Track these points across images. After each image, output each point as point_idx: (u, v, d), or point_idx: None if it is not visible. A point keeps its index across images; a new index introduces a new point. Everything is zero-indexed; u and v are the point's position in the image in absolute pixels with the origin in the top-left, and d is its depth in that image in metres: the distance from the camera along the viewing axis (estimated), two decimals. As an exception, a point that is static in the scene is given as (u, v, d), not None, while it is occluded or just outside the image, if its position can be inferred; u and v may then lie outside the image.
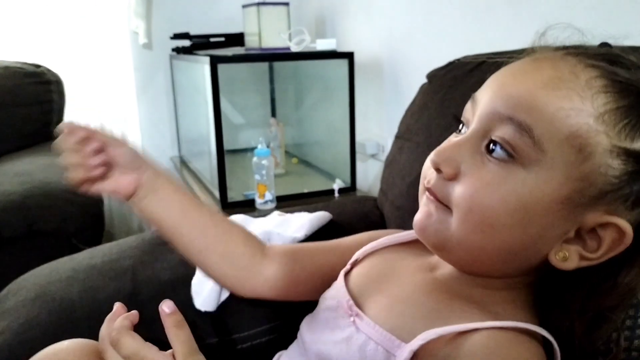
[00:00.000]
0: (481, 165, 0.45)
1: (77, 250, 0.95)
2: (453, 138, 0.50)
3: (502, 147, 0.44)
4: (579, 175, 0.42)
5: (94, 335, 0.75)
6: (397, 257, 0.60)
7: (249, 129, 2.26)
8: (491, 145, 0.45)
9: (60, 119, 1.94)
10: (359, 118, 1.70)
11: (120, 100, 2.17)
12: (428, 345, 0.45)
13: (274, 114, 2.34)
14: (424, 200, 0.50)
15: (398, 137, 0.98)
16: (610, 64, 0.44)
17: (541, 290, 0.50)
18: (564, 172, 0.42)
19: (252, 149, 1.67)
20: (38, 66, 1.91)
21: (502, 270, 0.48)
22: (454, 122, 0.83)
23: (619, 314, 0.47)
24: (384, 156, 1.74)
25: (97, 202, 1.48)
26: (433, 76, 0.96)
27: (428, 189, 0.49)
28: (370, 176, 1.82)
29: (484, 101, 0.47)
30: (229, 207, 1.64)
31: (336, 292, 0.58)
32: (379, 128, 1.75)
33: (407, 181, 0.88)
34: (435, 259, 0.55)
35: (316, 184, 1.80)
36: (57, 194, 1.40)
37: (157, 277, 0.83)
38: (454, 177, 0.46)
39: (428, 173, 0.50)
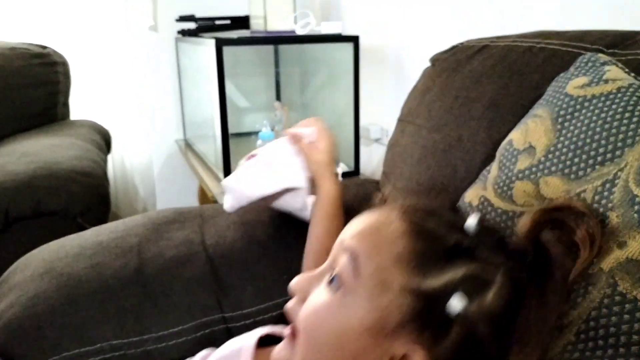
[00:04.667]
0: (320, 292, 0.53)
1: (83, 230, 0.96)
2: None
3: (336, 279, 0.51)
4: (380, 306, 0.48)
5: (100, 309, 0.77)
6: None
7: (254, 113, 2.26)
8: (331, 276, 0.52)
9: (66, 100, 1.95)
10: (364, 102, 1.70)
11: (125, 83, 2.17)
12: None
13: (278, 98, 2.34)
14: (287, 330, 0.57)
15: (400, 120, 0.98)
16: (426, 215, 0.52)
17: None
18: (369, 302, 0.48)
19: (256, 133, 1.68)
20: (44, 47, 1.91)
21: None
22: (455, 104, 0.84)
23: None
24: (386, 140, 1.75)
25: (103, 183, 1.50)
26: (436, 59, 0.97)
27: (287, 311, 0.57)
28: (374, 160, 1.83)
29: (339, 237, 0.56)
30: (233, 189, 1.66)
31: None
32: (383, 112, 1.75)
33: (409, 163, 0.88)
34: None
35: (320, 168, 1.81)
36: (64, 174, 1.41)
37: (162, 254, 0.84)
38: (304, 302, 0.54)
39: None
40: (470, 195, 0.67)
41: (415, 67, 1.51)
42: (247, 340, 0.67)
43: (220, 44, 1.54)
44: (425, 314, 0.46)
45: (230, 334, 0.81)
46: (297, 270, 0.85)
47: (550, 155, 0.59)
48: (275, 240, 0.89)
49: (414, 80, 1.02)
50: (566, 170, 0.57)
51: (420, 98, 0.93)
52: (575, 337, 0.49)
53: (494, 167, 0.66)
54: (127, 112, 2.21)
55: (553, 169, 0.58)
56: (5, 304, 0.79)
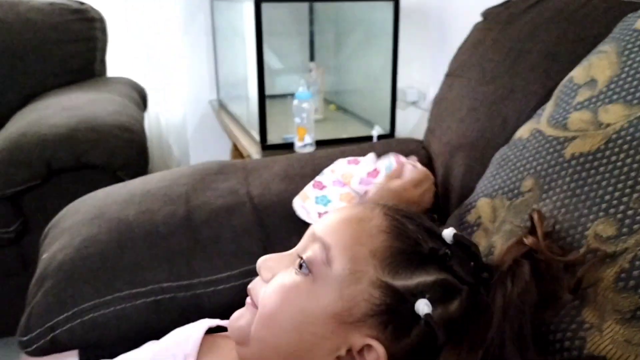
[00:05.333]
0: (288, 274, 0.52)
1: (124, 183, 0.97)
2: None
3: (306, 265, 0.51)
4: (349, 295, 0.48)
5: (150, 253, 0.79)
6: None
7: (286, 74, 2.24)
8: (301, 261, 0.52)
9: (103, 57, 1.96)
10: (401, 64, 1.68)
11: (160, 42, 2.17)
12: None
13: (312, 59, 2.31)
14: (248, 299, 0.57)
15: (448, 75, 0.97)
16: (407, 218, 0.52)
17: None
18: (338, 291, 0.49)
19: (288, 95, 1.67)
20: (82, 3, 1.92)
21: None
22: (509, 55, 0.82)
23: None
24: (425, 104, 1.73)
25: (141, 138, 1.51)
26: (488, 13, 0.94)
27: (248, 289, 0.56)
28: (409, 124, 1.81)
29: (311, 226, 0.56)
30: (268, 149, 1.66)
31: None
32: (422, 75, 1.73)
33: (457, 117, 0.87)
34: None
35: (354, 131, 1.80)
36: (104, 128, 1.43)
37: (209, 203, 0.85)
38: (269, 281, 0.54)
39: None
40: (521, 131, 0.66)
41: (458, 27, 1.48)
42: (195, 328, 0.65)
43: (259, 1, 1.52)
44: (391, 311, 0.47)
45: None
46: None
47: (612, 85, 0.57)
48: (320, 192, 0.89)
49: (455, 41, 1.00)
50: (628, 97, 0.55)
51: (471, 52, 0.91)
52: (629, 264, 0.48)
53: (549, 105, 0.65)
54: (162, 72, 2.21)
55: (614, 97, 0.56)
56: (58, 246, 0.81)
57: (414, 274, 0.48)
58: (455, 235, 0.51)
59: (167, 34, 2.18)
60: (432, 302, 0.47)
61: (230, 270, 0.80)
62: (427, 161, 0.97)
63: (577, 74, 0.63)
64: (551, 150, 0.59)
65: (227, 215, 0.84)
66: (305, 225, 0.85)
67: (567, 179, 0.56)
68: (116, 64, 2.09)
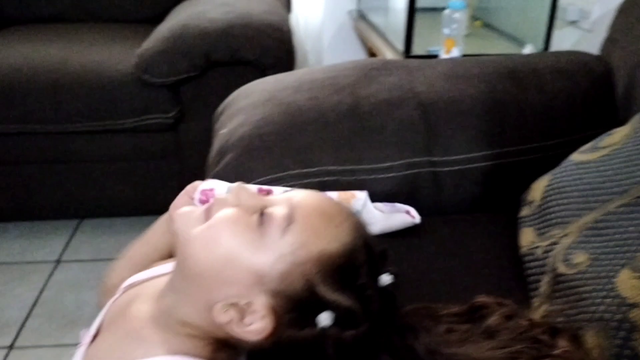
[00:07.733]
0: (248, 214, 0.53)
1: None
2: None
3: (267, 218, 0.52)
4: (281, 269, 0.50)
5: (318, 137, 0.83)
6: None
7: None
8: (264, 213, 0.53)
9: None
10: (565, -23, 1.55)
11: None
12: None
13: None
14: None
15: (642, -21, 0.89)
16: (365, 244, 0.54)
17: None
18: (275, 259, 0.51)
19: (433, 9, 1.60)
20: None
21: (189, 294, 0.55)
22: None
23: None
24: (586, 24, 1.60)
25: (290, 39, 1.54)
26: None
27: (215, 199, 0.56)
28: (565, 45, 1.69)
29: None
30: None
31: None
32: (587, -10, 1.59)
33: (652, 24, 0.81)
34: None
35: (503, 49, 1.71)
36: (258, 26, 1.48)
37: (374, 95, 0.87)
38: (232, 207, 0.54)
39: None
40: None
41: None
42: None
43: None
44: (301, 305, 0.51)
45: (436, 177, 0.83)
46: (507, 127, 0.84)
47: None
48: (487, 95, 0.87)
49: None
50: None
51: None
52: None
53: None
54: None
55: None
56: (236, 122, 0.87)
57: (337, 291, 0.51)
58: (390, 285, 0.53)
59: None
60: (336, 320, 0.50)
61: (392, 160, 0.82)
62: (605, 70, 0.91)
63: None
64: None
65: (392, 108, 0.85)
66: (472, 119, 0.84)
67: None
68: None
